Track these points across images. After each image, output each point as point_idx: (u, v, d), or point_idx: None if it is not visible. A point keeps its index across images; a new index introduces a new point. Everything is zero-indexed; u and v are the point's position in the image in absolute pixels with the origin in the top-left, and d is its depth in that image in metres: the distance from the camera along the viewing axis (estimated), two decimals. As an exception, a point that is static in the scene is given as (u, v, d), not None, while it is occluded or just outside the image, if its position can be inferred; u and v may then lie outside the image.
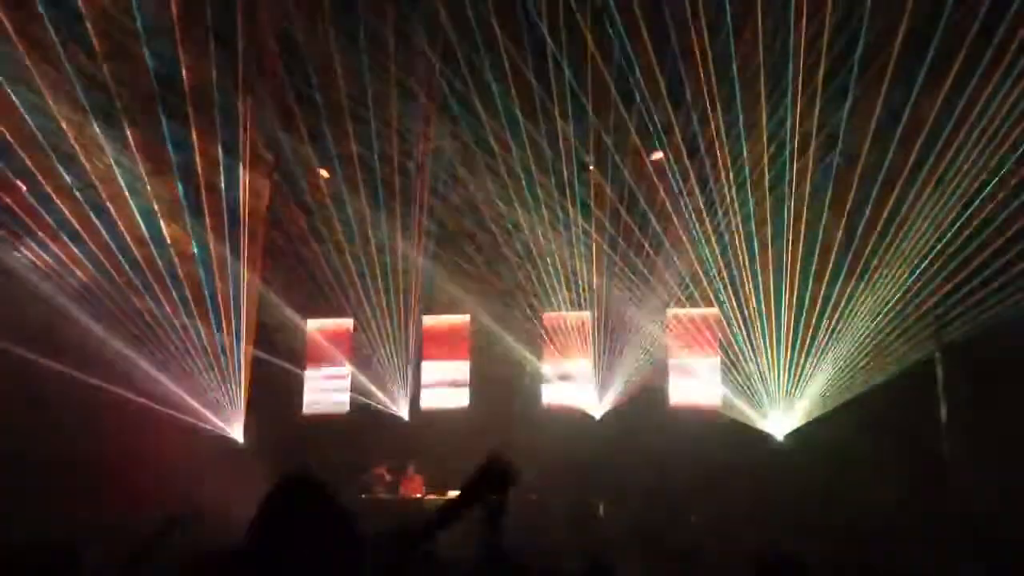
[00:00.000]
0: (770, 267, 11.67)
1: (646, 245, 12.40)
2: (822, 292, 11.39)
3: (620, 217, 12.41)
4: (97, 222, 11.56)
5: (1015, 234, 9.87)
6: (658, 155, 12.29)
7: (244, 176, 12.53)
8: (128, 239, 11.90)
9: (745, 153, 11.28)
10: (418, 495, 12.23)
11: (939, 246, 10.52)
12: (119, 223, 11.75)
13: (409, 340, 13.79)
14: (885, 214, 10.72)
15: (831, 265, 11.26)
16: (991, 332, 10.17)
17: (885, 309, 11.12)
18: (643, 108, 11.30)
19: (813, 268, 11.35)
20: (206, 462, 11.62)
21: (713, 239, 11.99)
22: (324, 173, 13.49)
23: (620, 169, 12.10)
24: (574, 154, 12.17)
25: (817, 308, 11.47)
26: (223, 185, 12.28)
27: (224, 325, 12.94)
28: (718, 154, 11.42)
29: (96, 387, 11.41)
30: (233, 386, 13.23)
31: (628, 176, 12.14)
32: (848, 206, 10.94)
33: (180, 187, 12.04)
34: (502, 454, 2.39)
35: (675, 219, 12.06)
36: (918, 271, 10.76)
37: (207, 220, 12.35)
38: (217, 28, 10.86)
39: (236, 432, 13.31)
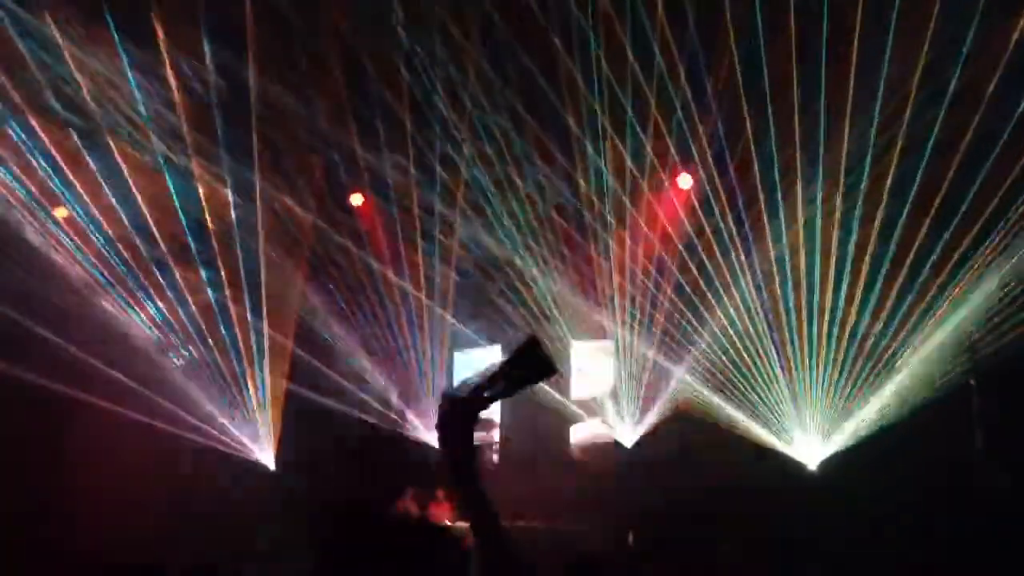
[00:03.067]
0: (802, 296, 11.62)
1: (689, 269, 12.38)
2: (855, 318, 11.31)
3: (653, 243, 12.42)
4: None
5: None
6: (685, 182, 12.29)
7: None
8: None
9: (777, 176, 11.26)
10: (447, 521, 12.20)
11: (975, 269, 10.43)
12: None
13: (439, 368, 13.84)
14: (923, 239, 10.63)
15: (861, 293, 11.18)
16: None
17: (918, 335, 11.02)
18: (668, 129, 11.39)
19: (842, 296, 11.30)
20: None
21: (745, 263, 11.95)
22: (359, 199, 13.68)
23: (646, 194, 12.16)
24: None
25: (847, 334, 11.38)
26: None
27: (246, 356, 13.21)
28: (742, 176, 11.44)
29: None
30: (265, 417, 13.43)
31: (656, 202, 12.19)
32: (886, 228, 10.87)
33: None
34: (540, 342, 2.35)
35: (710, 244, 12.06)
36: (954, 295, 10.67)
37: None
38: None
39: (268, 459, 13.51)
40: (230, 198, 12.34)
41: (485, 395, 2.28)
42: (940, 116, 10.04)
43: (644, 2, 10.58)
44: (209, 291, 12.90)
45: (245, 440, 13.38)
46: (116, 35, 10.51)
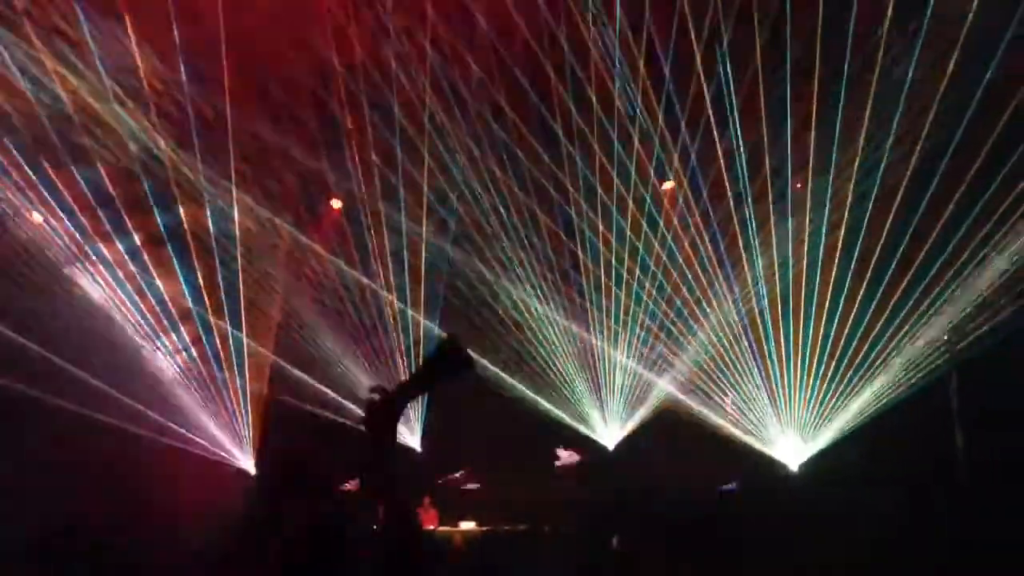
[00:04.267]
0: (781, 296, 11.67)
1: (658, 273, 12.42)
2: (837, 319, 11.36)
3: (631, 247, 12.43)
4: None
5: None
6: (669, 185, 12.33)
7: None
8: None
9: (746, 182, 11.32)
10: (431, 527, 12.22)
11: (955, 272, 10.49)
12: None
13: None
14: (901, 244, 10.68)
15: (845, 293, 11.23)
16: (1006, 357, 10.13)
17: (899, 335, 11.08)
18: (653, 140, 11.42)
19: (827, 296, 11.35)
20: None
21: (727, 266, 12.00)
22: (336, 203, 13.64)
23: (630, 200, 12.17)
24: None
25: (824, 338, 11.45)
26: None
27: (226, 364, 13.24)
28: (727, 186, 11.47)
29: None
30: (244, 423, 13.42)
31: (637, 206, 12.21)
32: (865, 233, 10.92)
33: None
34: (457, 339, 2.57)
35: (687, 249, 12.09)
36: (933, 297, 10.73)
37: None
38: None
39: (247, 464, 13.49)
40: (208, 210, 12.37)
41: (409, 390, 2.50)
42: (895, 122, 10.14)
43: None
44: (190, 301, 12.92)
45: (226, 444, 13.35)
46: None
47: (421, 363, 2.56)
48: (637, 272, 12.50)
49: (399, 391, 2.51)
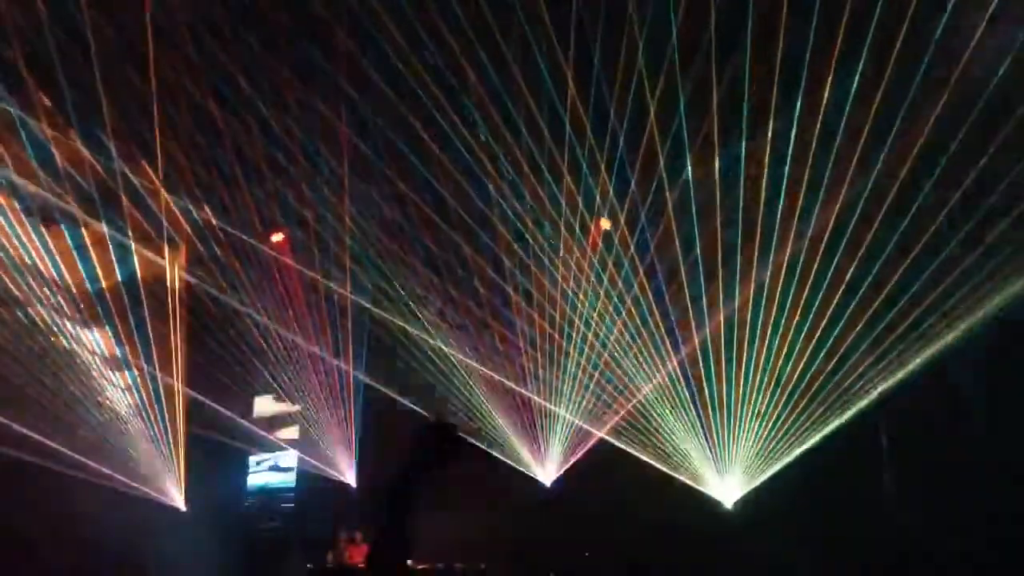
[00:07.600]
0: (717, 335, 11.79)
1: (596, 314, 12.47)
2: (770, 360, 11.51)
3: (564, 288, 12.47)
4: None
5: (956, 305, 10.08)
6: (606, 224, 12.34)
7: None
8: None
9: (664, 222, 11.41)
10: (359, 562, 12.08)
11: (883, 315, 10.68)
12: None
13: (353, 410, 13.68)
14: (835, 284, 10.85)
15: (777, 334, 11.40)
16: (936, 400, 10.36)
17: (829, 378, 11.25)
18: (587, 176, 11.46)
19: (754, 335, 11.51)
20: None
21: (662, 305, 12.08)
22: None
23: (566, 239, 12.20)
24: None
25: (765, 376, 11.59)
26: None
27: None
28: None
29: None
30: (173, 459, 13.16)
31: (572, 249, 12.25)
32: (801, 279, 11.08)
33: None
34: (444, 419, 2.58)
35: (623, 290, 12.16)
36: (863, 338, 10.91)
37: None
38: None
39: (178, 500, 13.15)
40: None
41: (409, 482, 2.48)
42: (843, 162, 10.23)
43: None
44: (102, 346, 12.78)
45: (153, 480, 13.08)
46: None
47: (410, 456, 2.50)
48: (568, 313, 12.51)
49: (397, 482, 2.48)
